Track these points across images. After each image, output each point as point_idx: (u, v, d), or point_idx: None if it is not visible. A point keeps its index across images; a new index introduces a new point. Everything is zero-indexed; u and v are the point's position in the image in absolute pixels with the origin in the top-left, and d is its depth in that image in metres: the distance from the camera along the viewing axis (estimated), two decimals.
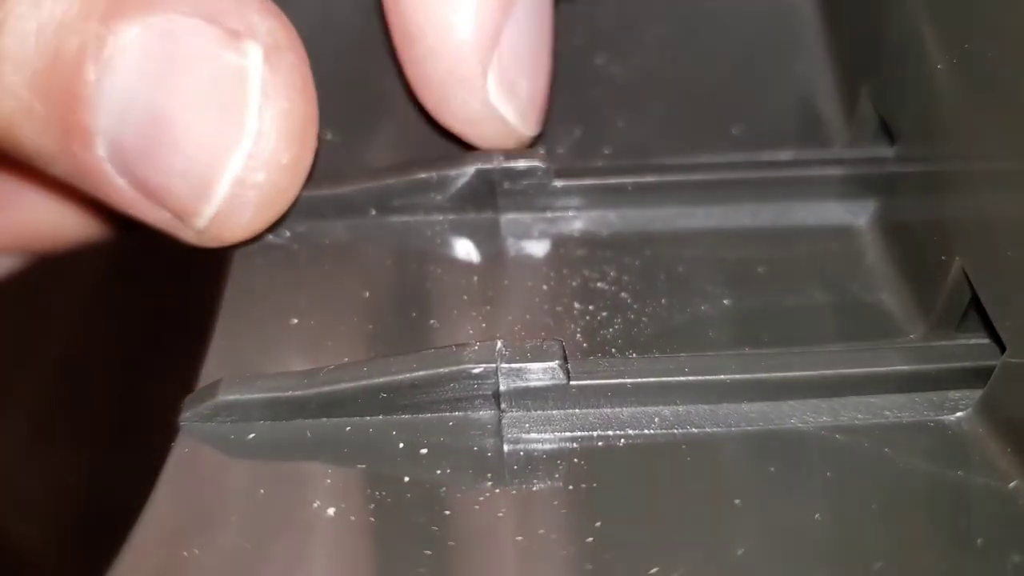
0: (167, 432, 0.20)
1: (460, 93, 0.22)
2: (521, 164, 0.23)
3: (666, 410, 0.19)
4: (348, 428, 0.19)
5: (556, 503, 0.18)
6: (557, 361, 0.19)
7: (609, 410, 0.19)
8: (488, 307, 0.22)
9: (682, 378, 0.19)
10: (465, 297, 0.22)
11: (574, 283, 0.22)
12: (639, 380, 0.19)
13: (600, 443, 0.19)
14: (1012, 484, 0.18)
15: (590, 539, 0.17)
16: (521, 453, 0.19)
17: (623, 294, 0.22)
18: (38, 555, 0.52)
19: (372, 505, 0.18)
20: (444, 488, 0.18)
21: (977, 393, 0.19)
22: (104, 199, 0.22)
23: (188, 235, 0.22)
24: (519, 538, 0.17)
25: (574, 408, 0.19)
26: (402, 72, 0.23)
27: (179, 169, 0.21)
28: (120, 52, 0.20)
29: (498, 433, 0.19)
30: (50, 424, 0.52)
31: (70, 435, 0.52)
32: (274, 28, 0.21)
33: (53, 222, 0.29)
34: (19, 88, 0.20)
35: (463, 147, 0.24)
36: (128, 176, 0.21)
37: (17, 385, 0.51)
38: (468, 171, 0.23)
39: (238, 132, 0.20)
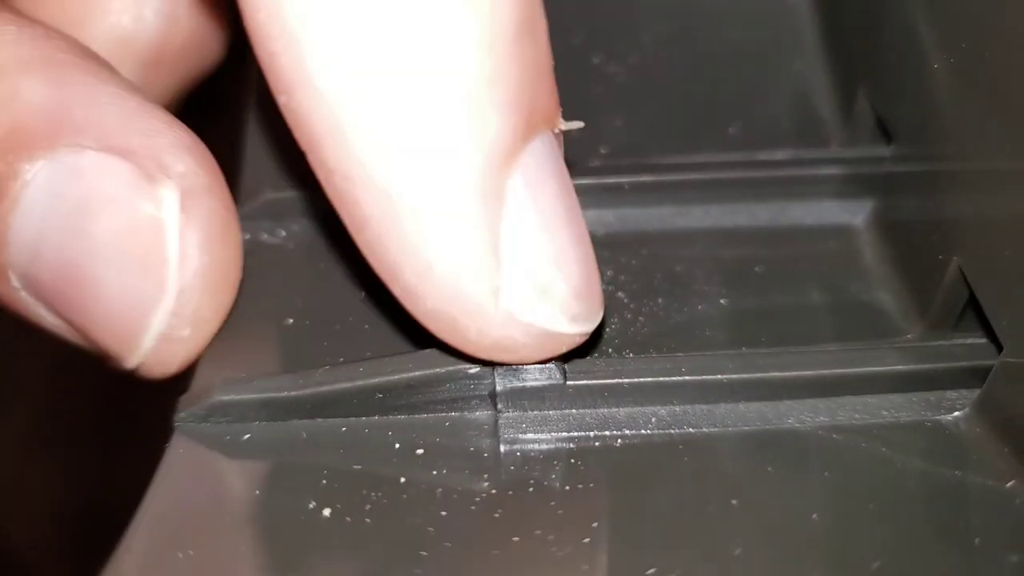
0: (162, 432, 0.20)
1: (472, 326, 0.17)
2: None
3: (663, 410, 0.19)
4: (344, 428, 0.19)
5: (553, 504, 0.18)
6: (553, 361, 0.19)
7: (606, 410, 0.19)
8: None
9: (679, 378, 0.19)
10: None
11: None
12: (636, 380, 0.19)
13: (597, 443, 0.19)
14: (1010, 484, 0.18)
15: (587, 540, 0.17)
16: (518, 454, 0.19)
17: (620, 293, 0.22)
18: (34, 556, 0.52)
19: (368, 506, 0.18)
20: (440, 489, 0.18)
21: (974, 393, 0.19)
22: (35, 325, 0.21)
23: (123, 367, 0.21)
24: (516, 539, 0.17)
25: (571, 408, 0.19)
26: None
27: (99, 318, 0.20)
28: (24, 189, 0.19)
29: (495, 433, 0.19)
30: (46, 424, 0.52)
31: (66, 435, 0.52)
32: (191, 168, 0.20)
33: None
34: None
35: None
36: (48, 311, 0.20)
37: (12, 386, 0.51)
38: None
39: (159, 290, 0.19)
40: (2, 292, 0.20)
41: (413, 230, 0.16)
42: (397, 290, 0.18)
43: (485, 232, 0.16)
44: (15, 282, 0.20)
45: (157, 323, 0.20)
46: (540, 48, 0.17)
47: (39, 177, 0.19)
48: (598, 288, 0.18)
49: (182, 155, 0.20)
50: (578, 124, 0.18)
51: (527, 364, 0.19)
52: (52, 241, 0.19)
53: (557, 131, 0.18)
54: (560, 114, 0.18)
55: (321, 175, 0.17)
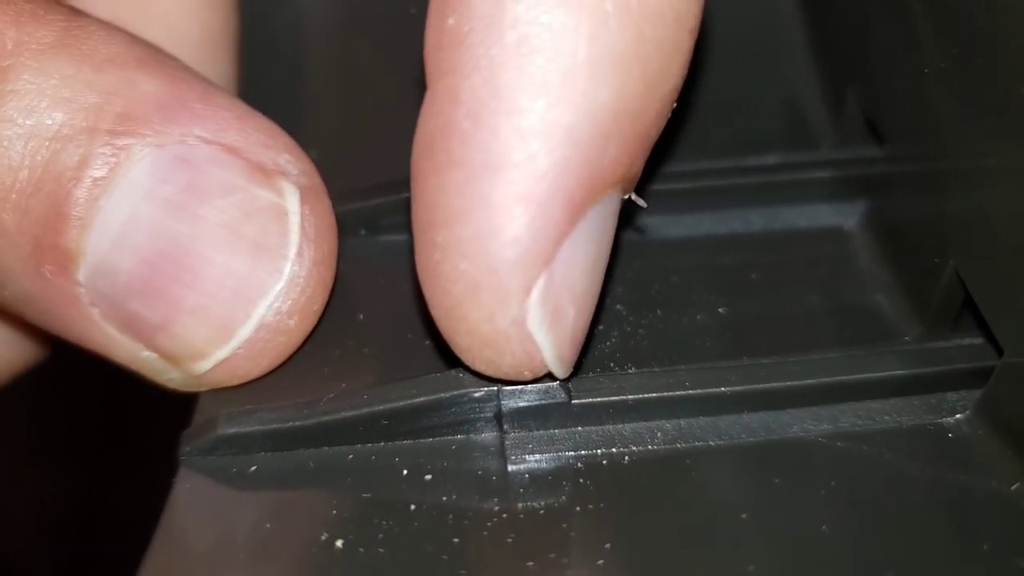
0: (153, 445, 0.20)
1: (489, 305, 0.17)
2: None
3: (668, 424, 0.19)
4: (351, 456, 0.19)
5: (565, 526, 0.18)
6: (557, 380, 0.19)
7: (611, 427, 0.19)
8: None
9: (682, 392, 0.19)
10: None
11: None
12: (640, 396, 0.19)
13: (604, 461, 0.19)
14: (1015, 486, 0.18)
15: (601, 562, 0.17)
16: (526, 475, 0.19)
17: (618, 306, 0.22)
18: (22, 563, 0.52)
19: (380, 535, 0.18)
20: (451, 515, 0.18)
21: (975, 394, 0.19)
22: (60, 329, 0.20)
23: (167, 377, 0.20)
24: (530, 563, 0.17)
25: (576, 426, 0.19)
26: (413, 252, 0.18)
27: (191, 307, 0.19)
28: (127, 171, 0.19)
29: (502, 455, 0.19)
30: (36, 436, 0.52)
31: (57, 447, 0.52)
32: (307, 170, 0.20)
33: None
34: None
35: None
36: (107, 307, 0.19)
37: (5, 398, 0.50)
38: None
39: (274, 274, 0.19)
40: (56, 288, 0.19)
41: (499, 209, 0.17)
42: (436, 239, 0.17)
43: (555, 233, 0.17)
44: (80, 274, 0.19)
45: (263, 309, 0.19)
46: (662, 125, 0.18)
47: (143, 162, 0.19)
48: (582, 345, 0.19)
49: (296, 157, 0.20)
50: (643, 203, 0.19)
51: (487, 373, 0.18)
52: (147, 223, 0.19)
53: (626, 196, 0.18)
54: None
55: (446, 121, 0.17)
